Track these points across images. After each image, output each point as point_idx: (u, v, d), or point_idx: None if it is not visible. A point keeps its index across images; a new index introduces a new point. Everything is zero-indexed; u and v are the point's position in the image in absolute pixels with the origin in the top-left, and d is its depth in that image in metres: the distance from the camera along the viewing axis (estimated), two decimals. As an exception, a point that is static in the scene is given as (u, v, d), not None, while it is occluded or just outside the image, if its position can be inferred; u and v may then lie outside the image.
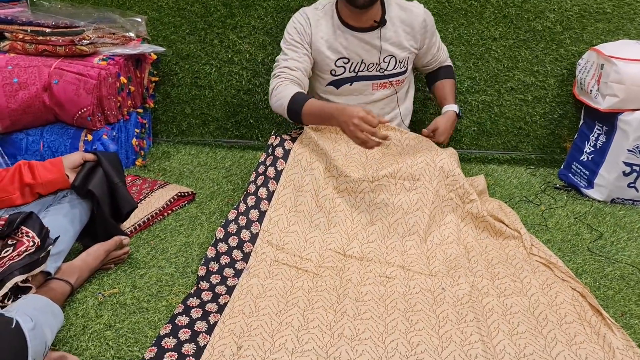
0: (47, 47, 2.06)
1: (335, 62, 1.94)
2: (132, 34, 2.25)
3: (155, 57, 2.35)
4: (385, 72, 1.98)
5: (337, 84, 1.99)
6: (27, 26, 2.06)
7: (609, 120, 2.11)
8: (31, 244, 1.28)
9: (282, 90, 1.84)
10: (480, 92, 2.42)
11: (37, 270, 1.27)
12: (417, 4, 2.01)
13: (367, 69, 1.97)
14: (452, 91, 2.13)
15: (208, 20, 2.44)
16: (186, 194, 2.00)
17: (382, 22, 1.91)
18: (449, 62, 2.21)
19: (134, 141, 2.28)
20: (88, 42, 2.05)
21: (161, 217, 1.88)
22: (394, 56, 1.96)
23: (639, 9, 2.30)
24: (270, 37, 2.43)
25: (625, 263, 1.69)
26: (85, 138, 2.07)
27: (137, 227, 1.78)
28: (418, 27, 1.97)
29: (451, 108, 2.06)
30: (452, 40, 2.39)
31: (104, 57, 2.09)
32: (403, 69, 2.01)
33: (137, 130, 2.32)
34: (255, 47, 2.45)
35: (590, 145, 2.22)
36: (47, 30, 2.04)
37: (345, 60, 1.95)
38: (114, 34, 2.19)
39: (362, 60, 1.95)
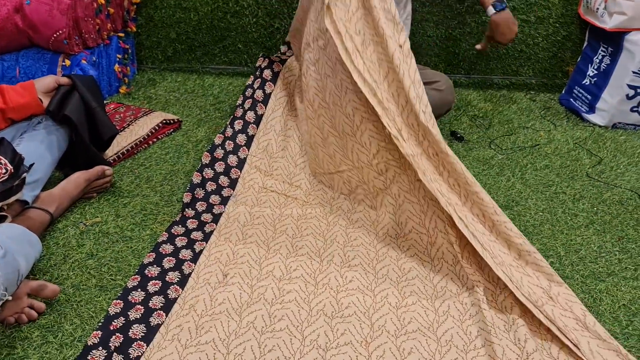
0: (16, -36, 1.91)
1: None
2: (108, -49, 2.09)
3: (134, -24, 2.20)
4: None
5: None
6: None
7: (614, 40, 2.00)
8: (3, 171, 1.21)
9: None
10: (480, 12, 2.28)
11: (12, 199, 1.22)
12: None
13: None
14: None
15: None
16: (172, 121, 1.92)
17: None
18: None
19: (117, 67, 2.17)
20: (60, -42, 1.90)
21: (146, 145, 1.81)
22: None
23: None
24: (258, -46, 2.27)
25: (624, 188, 1.65)
26: (63, 63, 1.96)
27: (121, 156, 1.71)
28: None
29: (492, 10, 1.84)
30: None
31: (79, -24, 1.94)
32: None
33: (120, 56, 2.20)
34: (241, -36, 2.29)
35: (593, 68, 2.12)
36: (15, -55, 1.88)
37: None
38: (88, -50, 2.04)
39: None
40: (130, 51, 2.32)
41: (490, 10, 1.83)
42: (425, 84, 1.78)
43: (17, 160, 1.25)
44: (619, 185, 1.66)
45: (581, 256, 1.33)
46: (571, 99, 2.21)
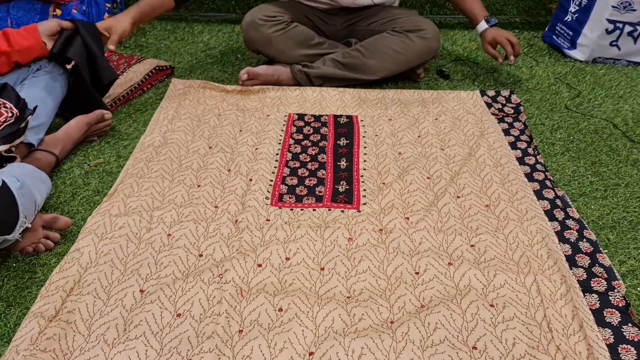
0: None
1: None
2: None
3: None
4: None
5: None
6: None
7: (595, -25, 2.05)
8: (10, 114, 1.27)
9: None
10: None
11: (18, 140, 1.29)
12: None
13: None
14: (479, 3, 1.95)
15: None
16: (164, 67, 1.97)
17: None
18: None
19: (106, 17, 2.19)
20: None
21: (141, 91, 1.86)
22: None
23: None
24: None
25: (600, 118, 1.73)
26: (54, 13, 1.99)
27: (117, 102, 1.77)
28: None
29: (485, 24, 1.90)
30: None
31: None
32: None
33: (109, 5, 2.23)
34: None
35: (575, 4, 2.17)
36: None
37: None
38: None
39: None
40: (119, 0, 2.33)
41: (483, 25, 1.89)
42: (411, 31, 1.84)
43: (21, 104, 1.31)
44: (595, 115, 1.75)
45: (555, 180, 1.43)
46: (554, 36, 2.27)
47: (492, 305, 1.03)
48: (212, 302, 1.03)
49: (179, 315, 1.01)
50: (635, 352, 0.95)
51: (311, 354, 0.94)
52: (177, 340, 0.96)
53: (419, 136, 1.60)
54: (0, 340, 0.96)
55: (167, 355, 0.93)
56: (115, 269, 1.11)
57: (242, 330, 0.98)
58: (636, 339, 0.97)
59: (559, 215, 1.28)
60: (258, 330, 0.98)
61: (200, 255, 1.15)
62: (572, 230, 1.23)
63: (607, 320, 1.01)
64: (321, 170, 1.45)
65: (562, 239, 1.21)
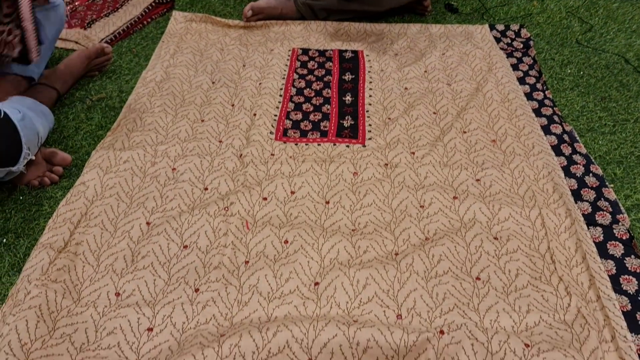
0: None
1: None
2: None
3: None
4: None
5: None
6: None
7: None
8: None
9: None
10: None
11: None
12: None
13: None
14: None
15: None
16: (164, 1, 1.91)
17: None
18: None
19: None
20: None
21: (141, 25, 1.81)
22: None
23: None
24: None
25: (611, 53, 1.69)
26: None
27: (117, 36, 1.73)
28: None
29: None
30: None
31: None
32: None
33: None
34: None
35: None
36: None
37: None
38: None
39: None
40: None
41: None
42: None
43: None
44: (607, 50, 1.70)
45: (563, 115, 1.41)
46: (567, -32, 2.18)
47: (496, 238, 1.04)
48: (218, 234, 1.04)
49: (185, 247, 1.02)
50: (636, 282, 0.96)
51: (316, 284, 0.95)
52: (184, 270, 0.97)
53: (425, 71, 1.57)
54: (11, 270, 0.98)
55: (174, 285, 0.95)
56: (121, 202, 1.11)
57: (248, 261, 0.99)
58: (638, 270, 0.98)
59: (566, 150, 1.27)
60: (264, 261, 0.99)
61: (206, 189, 1.15)
62: (578, 165, 1.23)
63: (610, 253, 1.02)
64: (326, 105, 1.43)
65: (568, 173, 1.21)
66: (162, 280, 0.96)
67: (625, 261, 1.00)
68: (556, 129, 1.34)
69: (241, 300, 0.92)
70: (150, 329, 0.88)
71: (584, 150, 1.27)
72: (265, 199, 1.13)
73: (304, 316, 0.89)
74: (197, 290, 0.94)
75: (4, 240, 1.04)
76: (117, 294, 0.93)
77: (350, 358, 0.83)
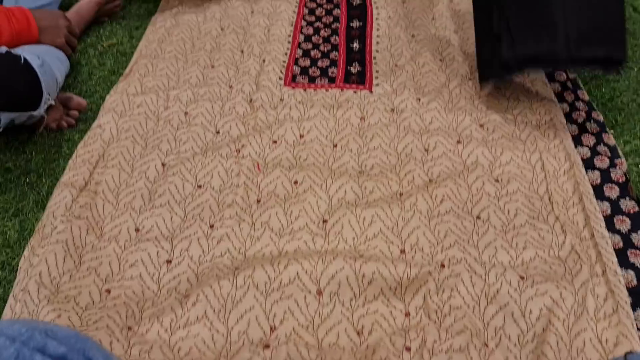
0: None
1: None
2: None
3: None
4: None
5: None
6: None
7: None
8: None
9: None
10: None
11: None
12: None
13: None
14: None
15: None
16: (171, -54, 1.90)
17: None
18: None
19: None
20: None
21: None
22: None
23: None
24: None
25: None
26: None
27: (125, -18, 1.73)
28: None
29: None
30: None
31: None
32: None
33: None
34: None
35: None
36: None
37: None
38: None
39: None
40: None
41: None
42: None
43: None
44: (616, -2, 1.70)
45: (569, 63, 1.43)
46: None
47: (497, 180, 1.08)
48: (231, 175, 1.09)
49: (199, 186, 1.07)
50: (629, 222, 1.01)
51: (325, 221, 1.01)
52: (199, 208, 1.03)
53: (433, 19, 1.58)
54: (36, 207, 1.03)
55: (190, 221, 1.00)
56: (136, 144, 1.16)
57: (259, 200, 1.04)
58: (632, 212, 1.03)
59: (569, 97, 1.30)
60: (275, 200, 1.04)
61: (217, 132, 1.19)
62: (580, 112, 1.26)
63: (606, 195, 1.06)
64: (334, 52, 1.46)
65: (569, 119, 1.24)
66: (179, 217, 1.01)
67: (619, 202, 1.04)
68: (560, 76, 1.36)
69: (254, 235, 0.98)
70: (169, 261, 0.94)
71: (586, 98, 1.30)
72: (275, 142, 1.17)
73: (313, 251, 0.95)
74: (212, 226, 0.99)
75: (27, 179, 1.09)
76: (137, 230, 0.99)
77: (356, 289, 0.89)
